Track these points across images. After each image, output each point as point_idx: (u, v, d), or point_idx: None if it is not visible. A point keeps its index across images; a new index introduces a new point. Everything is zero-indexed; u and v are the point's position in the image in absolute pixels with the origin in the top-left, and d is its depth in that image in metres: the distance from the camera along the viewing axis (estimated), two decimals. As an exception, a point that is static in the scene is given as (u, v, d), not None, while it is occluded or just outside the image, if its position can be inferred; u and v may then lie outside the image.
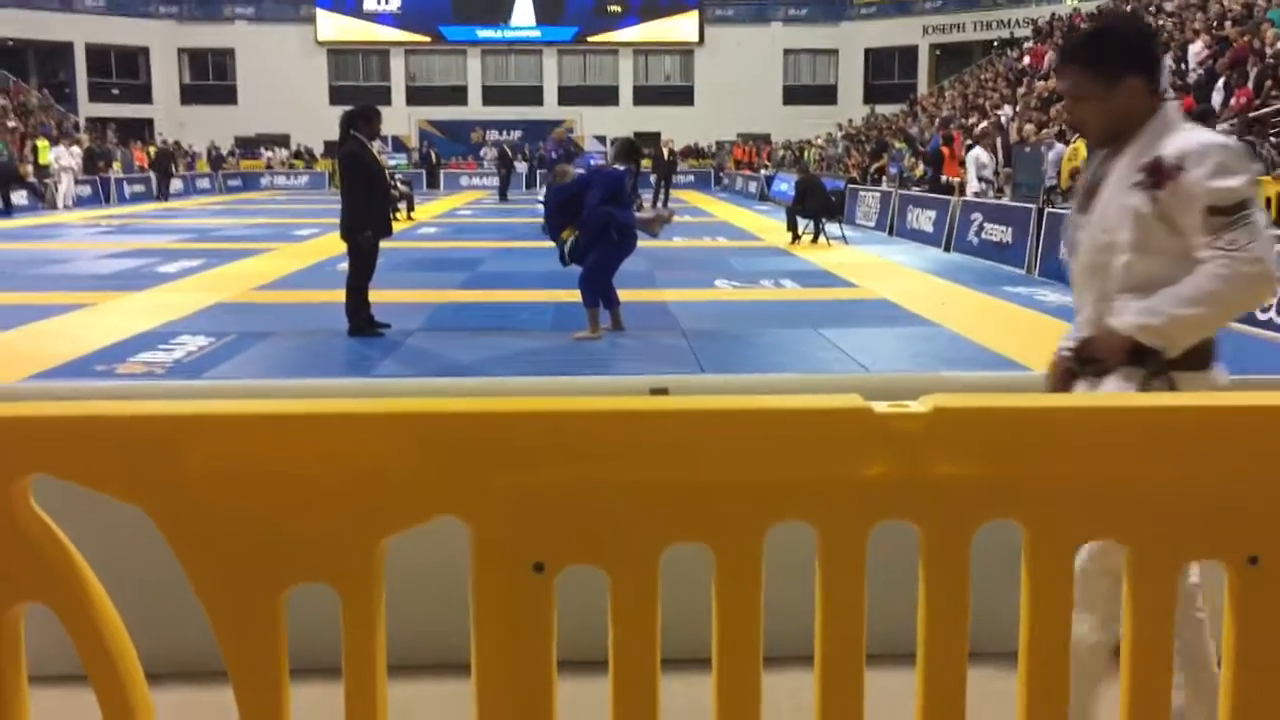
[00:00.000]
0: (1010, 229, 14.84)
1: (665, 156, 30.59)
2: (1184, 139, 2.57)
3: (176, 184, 36.40)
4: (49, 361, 8.05)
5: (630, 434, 1.64)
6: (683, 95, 49.20)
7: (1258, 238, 2.49)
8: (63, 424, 1.58)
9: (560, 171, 9.96)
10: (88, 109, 44.51)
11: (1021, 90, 24.92)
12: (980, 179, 18.03)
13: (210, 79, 48.95)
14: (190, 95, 48.50)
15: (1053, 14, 35.13)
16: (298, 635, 1.68)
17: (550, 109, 48.76)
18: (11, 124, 32.92)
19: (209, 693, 2.29)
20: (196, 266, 14.49)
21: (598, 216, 8.92)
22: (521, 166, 36.76)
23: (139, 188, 33.38)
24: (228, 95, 48.24)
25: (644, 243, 9.75)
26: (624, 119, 48.08)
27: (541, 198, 18.51)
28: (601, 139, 40.14)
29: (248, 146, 46.21)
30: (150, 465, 1.55)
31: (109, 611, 1.62)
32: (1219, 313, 2.57)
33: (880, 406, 1.66)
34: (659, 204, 27.98)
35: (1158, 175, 2.54)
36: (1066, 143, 16.63)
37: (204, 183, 39.27)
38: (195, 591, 1.59)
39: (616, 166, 9.49)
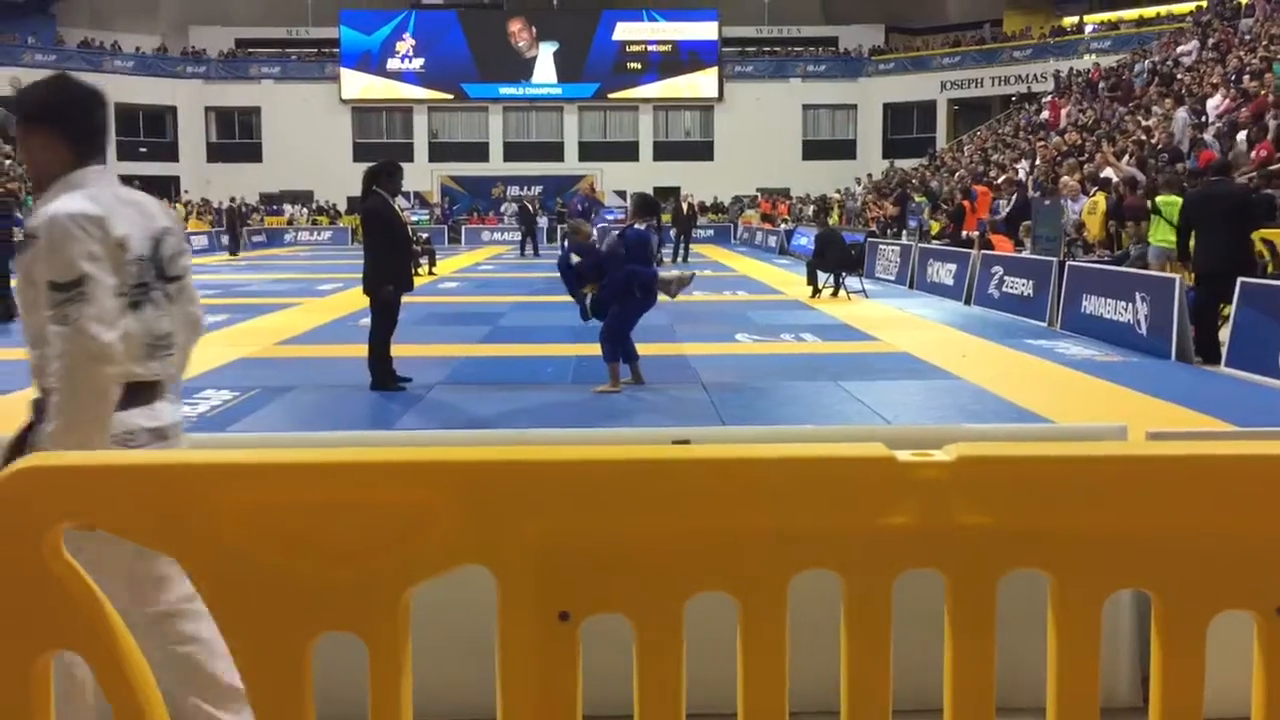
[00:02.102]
0: (1031, 282, 14.84)
1: (685, 211, 30.77)
2: (52, 206, 2.54)
3: (201, 240, 36.96)
4: (75, 415, 8.10)
5: (655, 483, 1.65)
6: (702, 150, 49.64)
7: (93, 315, 2.45)
8: (95, 473, 1.60)
9: (575, 227, 10.01)
10: (116, 167, 45.14)
11: (1040, 143, 25.02)
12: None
13: (236, 137, 49.75)
14: (216, 153, 49.30)
15: (1070, 68, 35.39)
16: (324, 684, 1.69)
17: (571, 164, 49.27)
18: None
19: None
20: (221, 322, 14.62)
21: (623, 274, 9.01)
22: (543, 221, 37.05)
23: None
24: (253, 153, 49.00)
25: (664, 297, 9.80)
26: (644, 174, 48.51)
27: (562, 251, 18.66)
28: (621, 194, 40.43)
29: (271, 202, 46.83)
30: (182, 514, 1.57)
31: (138, 659, 1.63)
32: (75, 389, 2.47)
33: (904, 455, 1.66)
34: (679, 259, 28.13)
35: (29, 239, 2.54)
36: (1088, 194, 16.66)
37: (227, 239, 39.73)
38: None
39: (638, 225, 9.56)
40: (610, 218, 22.80)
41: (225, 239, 36.06)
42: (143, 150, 47.63)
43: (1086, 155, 20.67)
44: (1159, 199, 12.95)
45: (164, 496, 1.58)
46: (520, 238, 33.46)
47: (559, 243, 26.80)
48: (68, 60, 45.27)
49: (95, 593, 1.62)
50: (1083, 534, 1.66)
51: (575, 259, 9.49)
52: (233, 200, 40.54)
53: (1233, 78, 20.24)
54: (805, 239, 27.63)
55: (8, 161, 33.31)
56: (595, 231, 10.28)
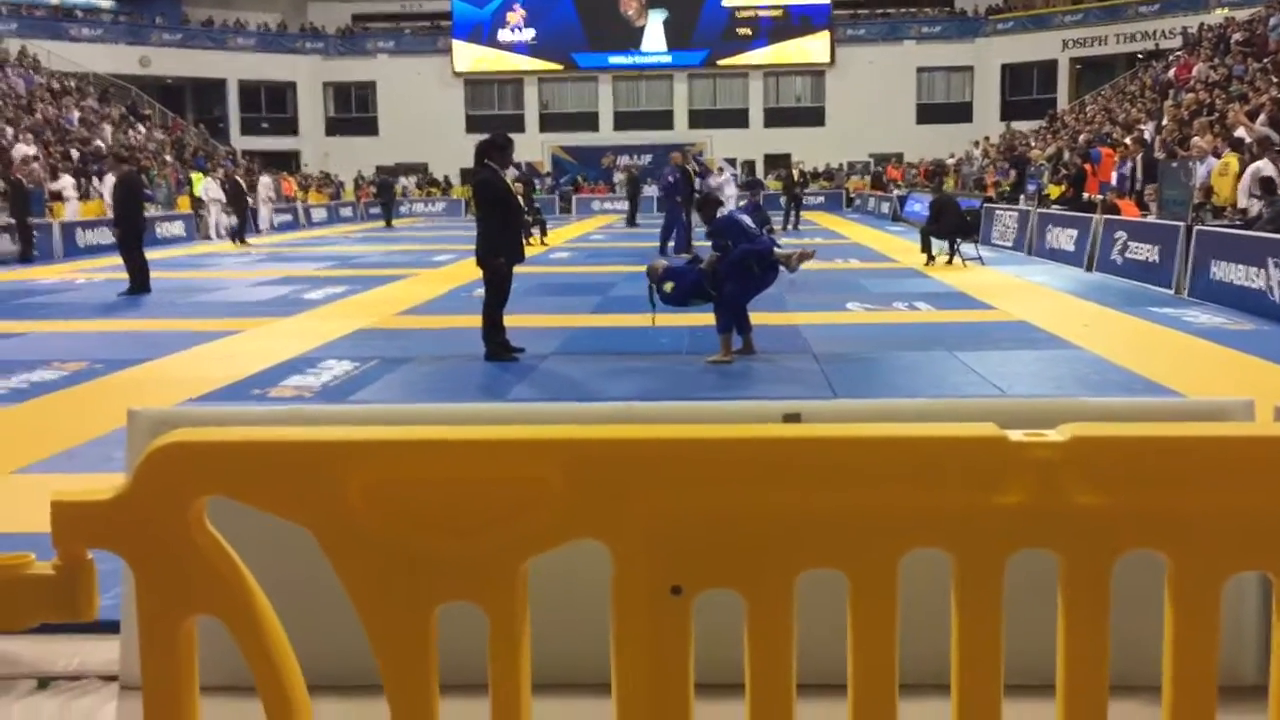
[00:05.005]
0: (1157, 248, 14.35)
1: (795, 178, 30.46)
2: None
3: (320, 213, 37.97)
4: (207, 385, 8.46)
5: (767, 460, 1.67)
6: (814, 116, 48.98)
7: None
8: (237, 449, 1.69)
9: (652, 269, 10.04)
10: (240, 142, 46.64)
11: (1168, 103, 24.08)
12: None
13: (353, 111, 50.82)
14: (334, 127, 50.44)
15: (1201, 24, 33.90)
16: (446, 651, 1.76)
17: (681, 133, 49.10)
18: (169, 159, 34.76)
19: (364, 704, 2.39)
20: (340, 293, 15.02)
21: (738, 253, 9.05)
22: (651, 190, 37.04)
23: (286, 217, 34.82)
24: (369, 126, 50.00)
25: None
26: (754, 141, 48.13)
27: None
28: (731, 161, 40.16)
29: (389, 175, 47.80)
30: (316, 488, 1.65)
31: (274, 625, 1.72)
32: None
33: (1016, 435, 1.66)
34: (789, 226, 27.88)
35: None
36: (1218, 156, 16.01)
37: (346, 211, 40.72)
38: (355, 607, 1.69)
39: (724, 211, 9.64)
40: (711, 182, 22.55)
41: (377, 210, 36.85)
42: (265, 126, 49.04)
43: (1217, 115, 19.84)
44: None
45: (297, 472, 1.67)
46: (629, 208, 33.47)
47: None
48: (193, 39, 46.79)
49: (236, 562, 1.71)
50: (1201, 515, 1.64)
51: (669, 286, 9.56)
52: (383, 173, 41.59)
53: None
54: (919, 205, 27.11)
55: (150, 145, 34.66)
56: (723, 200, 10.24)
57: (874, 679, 1.69)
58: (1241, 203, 14.51)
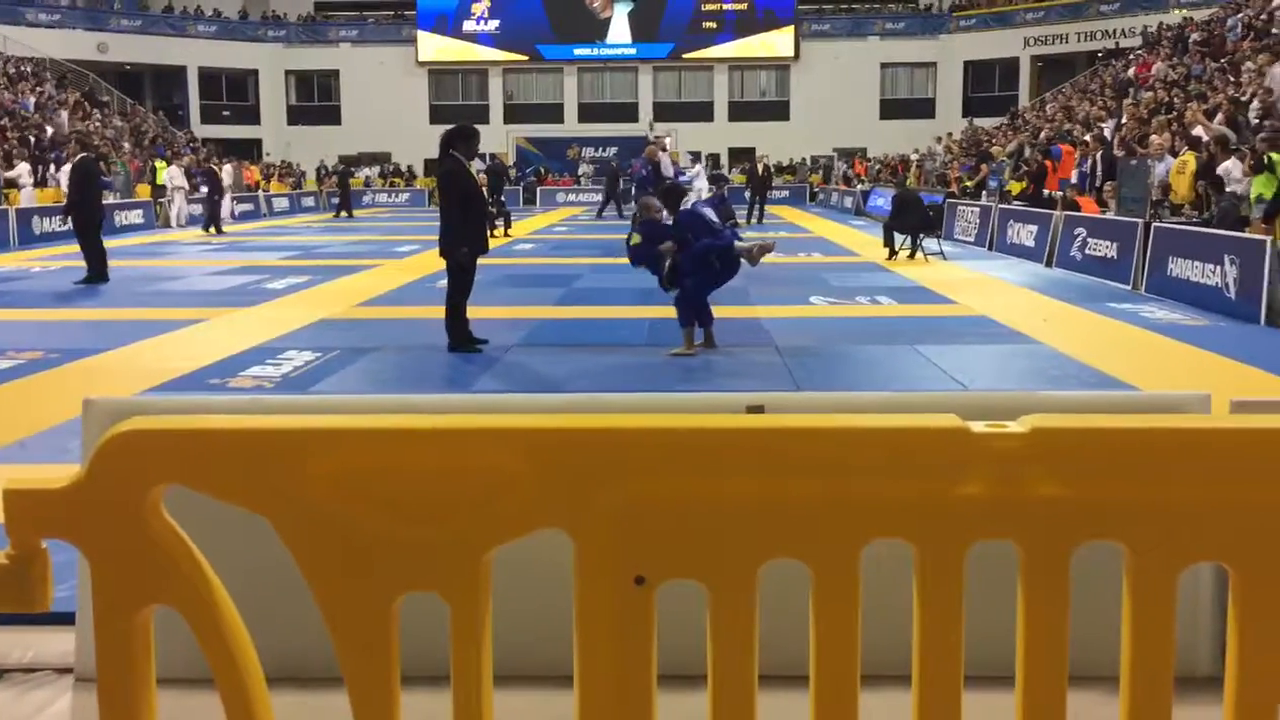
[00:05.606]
0: (1116, 244, 14.51)
1: (760, 172, 30.50)
2: None
3: (282, 202, 37.62)
4: (165, 375, 8.36)
5: (731, 451, 1.67)
6: (778, 110, 49.09)
7: None
8: (194, 437, 1.67)
9: (645, 205, 9.99)
10: (200, 130, 46.10)
11: (1128, 101, 24.34)
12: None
13: (315, 100, 50.36)
14: (296, 116, 49.94)
15: (1160, 23, 34.30)
16: (407, 643, 1.75)
17: (645, 125, 49.07)
18: (126, 146, 34.30)
19: (322, 697, 2.37)
20: (302, 283, 14.89)
21: (700, 247, 9.03)
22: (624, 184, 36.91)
23: (248, 206, 34.47)
24: (332, 115, 49.55)
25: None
26: (719, 135, 48.15)
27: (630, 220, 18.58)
28: (696, 155, 40.15)
29: (351, 165, 47.39)
30: (274, 477, 1.63)
31: (233, 616, 1.70)
32: None
33: (977, 426, 1.67)
34: (753, 220, 27.92)
35: None
36: (1175, 155, 16.19)
37: (309, 201, 40.36)
38: (314, 598, 1.67)
39: (703, 200, 9.58)
40: (680, 179, 22.56)
41: (334, 200, 36.26)
42: (226, 114, 48.48)
43: (1176, 113, 20.08)
44: (1275, 155, 12.46)
45: (256, 461, 1.65)
46: (602, 199, 33.23)
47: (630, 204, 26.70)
48: (152, 25, 46.16)
49: (194, 552, 1.69)
50: (1159, 507, 1.66)
51: (634, 240, 9.47)
52: (341, 163, 41.21)
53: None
54: (882, 200, 27.25)
55: (108, 132, 34.16)
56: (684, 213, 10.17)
57: (836, 670, 1.69)
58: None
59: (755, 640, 1.69)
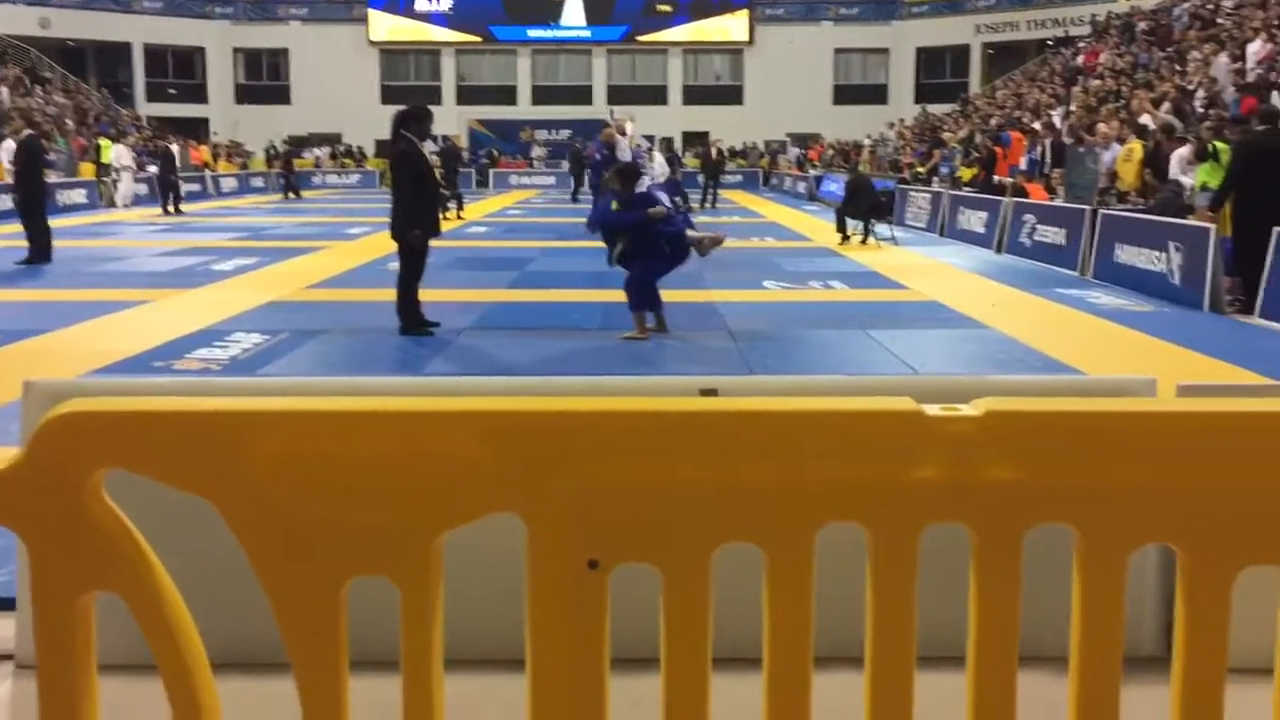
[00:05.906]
0: (1063, 230, 14.68)
1: (713, 156, 30.50)
2: None
3: (230, 183, 37.06)
4: (109, 358, 8.21)
5: (684, 434, 1.66)
6: (732, 94, 49.13)
7: None
8: (136, 419, 1.63)
9: (610, 179, 9.98)
10: (146, 109, 45.29)
11: (1076, 89, 24.61)
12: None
13: (264, 79, 49.63)
14: (245, 95, 49.21)
15: (1109, 12, 34.68)
16: (356, 628, 1.72)
17: (599, 108, 48.79)
18: (70, 124, 33.60)
19: (269, 683, 2.34)
20: (251, 265, 14.70)
21: (652, 233, 9.00)
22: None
23: (195, 186, 33.92)
24: (281, 95, 48.88)
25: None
26: (673, 118, 48.07)
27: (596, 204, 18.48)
28: (650, 139, 40.14)
29: (301, 145, 46.79)
30: (218, 460, 1.60)
31: (176, 602, 1.67)
32: None
33: (932, 409, 1.67)
34: (707, 204, 27.93)
35: None
36: (1122, 142, 16.40)
37: (258, 181, 39.81)
38: (260, 583, 1.64)
39: (658, 183, 9.53)
40: (637, 161, 22.49)
41: (282, 182, 35.77)
42: (172, 92, 47.64)
43: (1123, 102, 20.34)
44: (1219, 144, 12.61)
45: (199, 443, 1.61)
46: (574, 182, 32.73)
47: (587, 187, 26.61)
48: (96, 0, 45.20)
49: (136, 537, 1.65)
50: (1109, 489, 1.67)
51: (615, 206, 9.38)
52: (287, 144, 40.66)
53: (1276, 22, 19.79)
54: (835, 185, 27.38)
55: (50, 109, 33.43)
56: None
57: (789, 652, 1.69)
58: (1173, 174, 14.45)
59: (709, 624, 1.69)
